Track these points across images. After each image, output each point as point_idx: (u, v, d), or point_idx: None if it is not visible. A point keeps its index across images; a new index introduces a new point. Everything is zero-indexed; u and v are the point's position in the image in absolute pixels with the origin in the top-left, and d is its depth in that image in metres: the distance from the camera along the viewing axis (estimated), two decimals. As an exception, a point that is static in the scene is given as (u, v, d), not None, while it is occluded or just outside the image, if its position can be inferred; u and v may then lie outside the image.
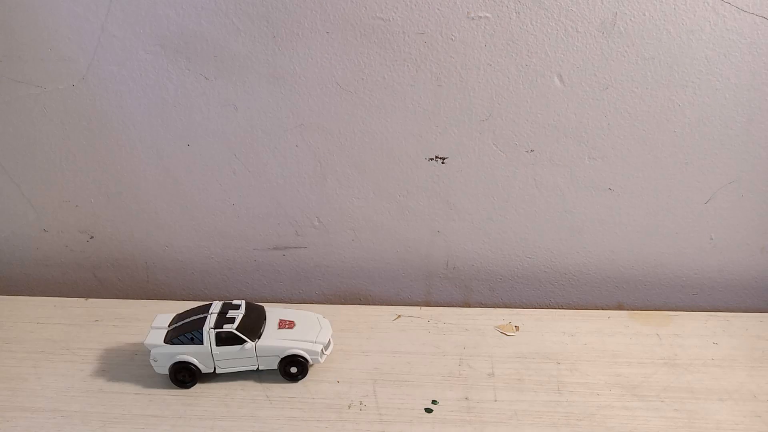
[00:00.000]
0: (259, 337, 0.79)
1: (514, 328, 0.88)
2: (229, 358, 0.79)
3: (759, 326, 0.89)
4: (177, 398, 0.77)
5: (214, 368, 0.79)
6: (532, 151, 0.93)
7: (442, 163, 0.95)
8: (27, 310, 0.97)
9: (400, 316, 0.93)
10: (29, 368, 0.83)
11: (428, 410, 0.74)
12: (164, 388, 0.79)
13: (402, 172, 0.96)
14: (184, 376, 0.79)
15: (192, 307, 0.84)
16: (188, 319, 0.80)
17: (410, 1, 0.86)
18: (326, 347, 0.81)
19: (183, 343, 0.78)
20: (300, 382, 0.80)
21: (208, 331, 0.78)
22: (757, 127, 0.89)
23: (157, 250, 1.05)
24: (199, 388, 0.79)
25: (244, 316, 0.80)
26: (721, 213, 0.94)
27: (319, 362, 0.80)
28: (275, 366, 0.79)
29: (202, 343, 0.78)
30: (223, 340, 0.78)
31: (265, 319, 0.82)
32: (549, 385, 0.78)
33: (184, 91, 0.93)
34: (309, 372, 0.81)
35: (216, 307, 0.82)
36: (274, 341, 0.79)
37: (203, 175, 0.99)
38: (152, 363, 0.79)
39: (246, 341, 0.78)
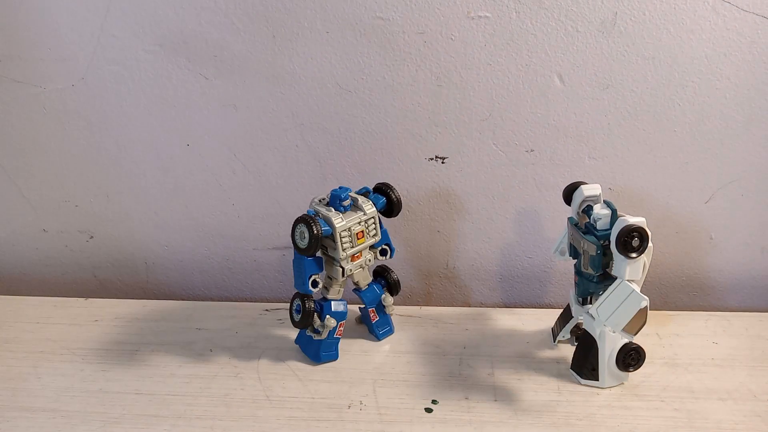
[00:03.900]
0: None
1: None
2: None
3: (759, 326, 0.89)
4: (177, 398, 0.77)
5: None
6: (532, 151, 0.93)
7: (442, 163, 0.95)
8: (27, 310, 0.97)
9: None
10: (29, 368, 0.83)
11: (428, 410, 0.74)
12: (164, 388, 0.79)
13: (402, 172, 0.96)
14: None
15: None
16: None
17: (410, 1, 0.86)
18: None
19: None
20: (300, 382, 0.80)
21: None
22: (757, 127, 0.89)
23: (157, 250, 1.05)
24: (199, 387, 0.79)
25: None
26: (721, 213, 0.94)
27: None
28: None
29: None
30: None
31: None
32: (549, 385, 0.78)
33: (184, 91, 0.93)
34: (309, 372, 0.81)
35: None
36: None
37: (203, 175, 0.99)
38: None
39: None
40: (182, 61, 0.91)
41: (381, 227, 0.83)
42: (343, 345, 0.87)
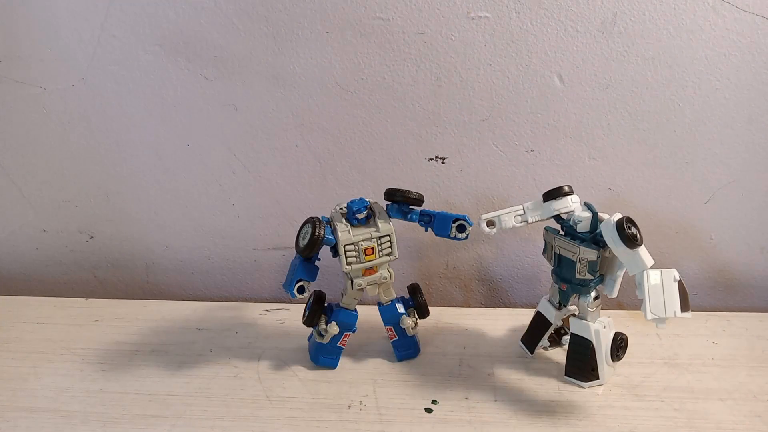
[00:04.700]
0: None
1: None
2: None
3: (759, 326, 0.89)
4: (177, 398, 0.77)
5: None
6: (532, 151, 0.93)
7: (442, 163, 0.95)
8: (27, 310, 0.97)
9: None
10: (29, 368, 0.83)
11: (428, 410, 0.74)
12: (164, 388, 0.79)
13: (402, 172, 0.96)
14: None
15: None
16: None
17: (410, 1, 0.86)
18: None
19: None
20: (300, 382, 0.80)
21: None
22: (757, 127, 0.89)
23: (157, 250, 1.05)
24: (199, 387, 0.79)
25: None
26: (721, 213, 0.94)
27: None
28: None
29: None
30: None
31: None
32: (549, 385, 0.78)
33: (184, 91, 0.93)
34: (309, 372, 0.81)
35: None
36: None
37: (203, 175, 0.99)
38: None
39: None
40: (182, 61, 0.91)
41: (438, 211, 0.79)
42: (343, 345, 0.87)
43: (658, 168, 0.92)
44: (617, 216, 0.71)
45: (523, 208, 0.78)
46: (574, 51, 0.86)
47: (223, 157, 0.97)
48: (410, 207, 0.80)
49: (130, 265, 1.06)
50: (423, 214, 0.80)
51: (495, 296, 1.03)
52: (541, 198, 0.77)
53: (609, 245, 0.71)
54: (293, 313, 0.95)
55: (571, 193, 0.76)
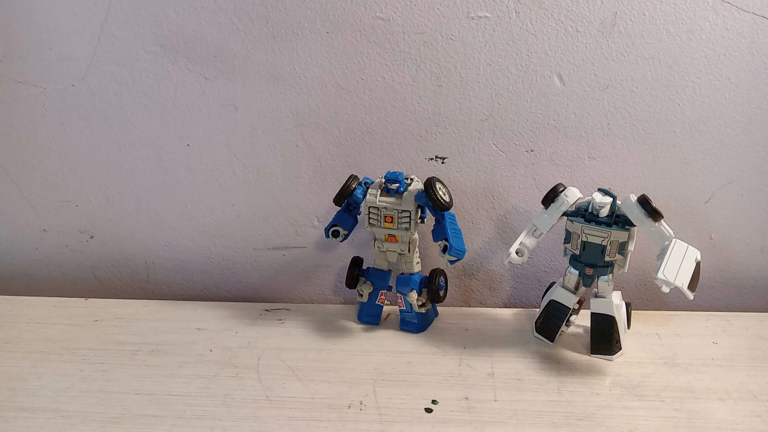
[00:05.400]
0: None
1: None
2: None
3: (759, 326, 0.89)
4: (177, 398, 0.77)
5: None
6: (532, 151, 0.93)
7: (442, 163, 0.95)
8: (27, 310, 0.96)
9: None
10: (29, 368, 0.83)
11: (428, 410, 0.74)
12: (164, 388, 0.79)
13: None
14: None
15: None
16: None
17: (410, 1, 0.86)
18: None
19: None
20: (300, 382, 0.80)
21: None
22: (757, 127, 0.89)
23: (157, 250, 1.05)
24: (198, 387, 0.79)
25: None
26: (721, 213, 0.94)
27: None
28: None
29: None
30: None
31: None
32: (549, 385, 0.78)
33: (184, 91, 0.93)
34: (309, 372, 0.81)
35: None
36: None
37: (203, 175, 0.99)
38: None
39: None
40: (182, 61, 0.91)
41: (447, 224, 0.84)
42: (343, 345, 0.87)
43: (657, 168, 0.92)
44: (633, 195, 0.77)
45: (534, 225, 0.84)
46: (574, 51, 0.86)
47: (223, 157, 0.97)
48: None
49: (130, 265, 1.06)
50: (439, 214, 0.85)
51: (495, 296, 1.03)
52: (542, 206, 0.83)
53: (635, 222, 0.77)
54: (293, 313, 0.95)
55: (564, 188, 0.82)
